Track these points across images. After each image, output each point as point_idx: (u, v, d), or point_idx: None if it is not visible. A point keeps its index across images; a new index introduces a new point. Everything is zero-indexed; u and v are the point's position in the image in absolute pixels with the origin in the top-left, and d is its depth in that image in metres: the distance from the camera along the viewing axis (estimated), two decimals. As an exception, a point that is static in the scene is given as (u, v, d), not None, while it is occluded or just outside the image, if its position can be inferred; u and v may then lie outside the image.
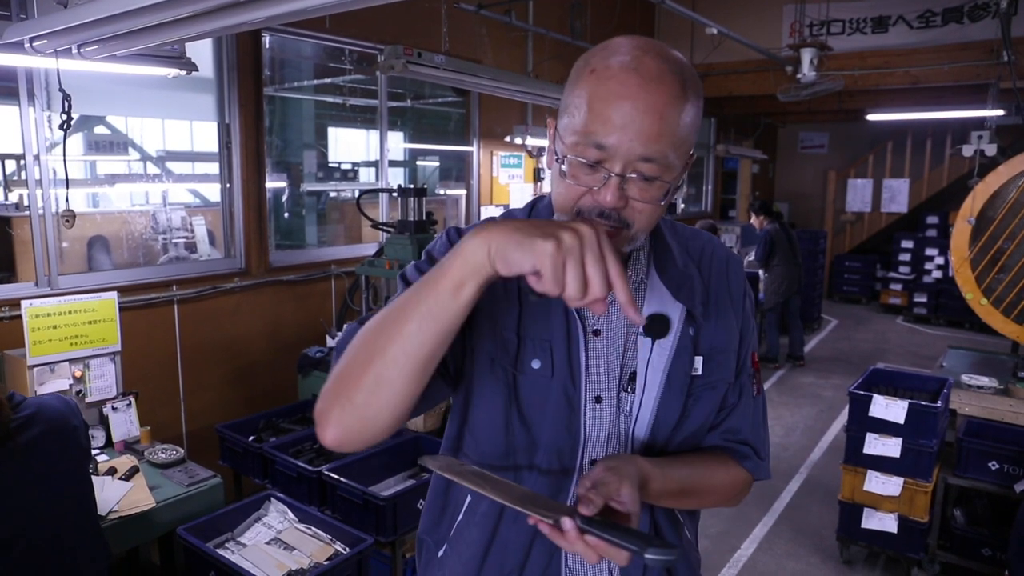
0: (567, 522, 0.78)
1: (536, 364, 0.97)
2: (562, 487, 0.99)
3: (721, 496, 1.08)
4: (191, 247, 4.24)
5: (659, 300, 1.00)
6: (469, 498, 1.05)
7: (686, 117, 0.88)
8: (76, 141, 4.52)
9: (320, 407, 0.87)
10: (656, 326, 0.99)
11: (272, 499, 2.54)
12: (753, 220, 6.99)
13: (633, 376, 0.99)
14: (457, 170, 5.90)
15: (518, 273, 0.74)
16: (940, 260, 9.11)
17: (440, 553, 1.09)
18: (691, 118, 0.89)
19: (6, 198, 4.22)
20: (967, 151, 5.38)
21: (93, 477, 2.37)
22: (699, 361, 1.01)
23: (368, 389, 0.83)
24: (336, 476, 2.59)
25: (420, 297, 0.79)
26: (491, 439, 1.01)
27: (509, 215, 1.06)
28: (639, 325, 0.75)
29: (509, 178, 5.98)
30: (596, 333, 0.99)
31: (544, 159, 1.01)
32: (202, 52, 3.67)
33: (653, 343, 0.98)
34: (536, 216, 1.05)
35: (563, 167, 0.91)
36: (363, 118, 5.23)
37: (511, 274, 0.75)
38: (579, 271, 0.73)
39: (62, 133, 2.39)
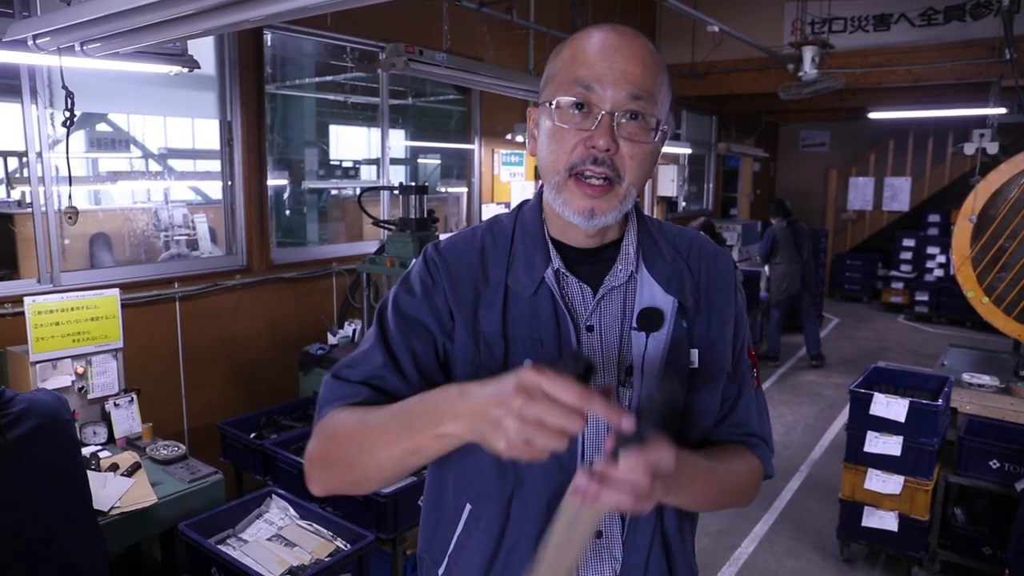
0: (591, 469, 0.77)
1: (528, 364, 0.96)
2: (563, 492, 0.96)
3: (743, 484, 1.05)
4: (192, 244, 4.25)
5: (650, 294, 1.00)
6: (469, 506, 1.01)
7: (662, 76, 0.95)
8: (78, 138, 4.53)
9: (308, 469, 0.96)
10: (649, 320, 0.98)
11: (273, 496, 2.55)
12: (774, 222, 7.04)
13: (630, 371, 0.98)
14: (458, 168, 5.90)
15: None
16: (941, 258, 9.10)
17: (440, 571, 1.06)
18: (666, 82, 0.96)
19: (8, 195, 4.22)
20: (969, 149, 5.37)
21: (96, 473, 2.39)
22: (695, 354, 1.00)
23: (351, 483, 0.94)
24: (337, 473, 2.59)
25: (400, 436, 0.84)
26: (481, 448, 0.99)
27: (496, 221, 1.08)
28: (628, 430, 0.74)
29: (510, 176, 5.98)
30: (590, 329, 0.99)
31: (528, 147, 1.07)
32: (204, 49, 3.67)
33: (647, 337, 0.98)
34: (521, 221, 1.05)
35: (555, 114, 0.93)
36: (364, 116, 5.23)
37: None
38: (544, 434, 0.72)
39: (64, 130, 2.40)
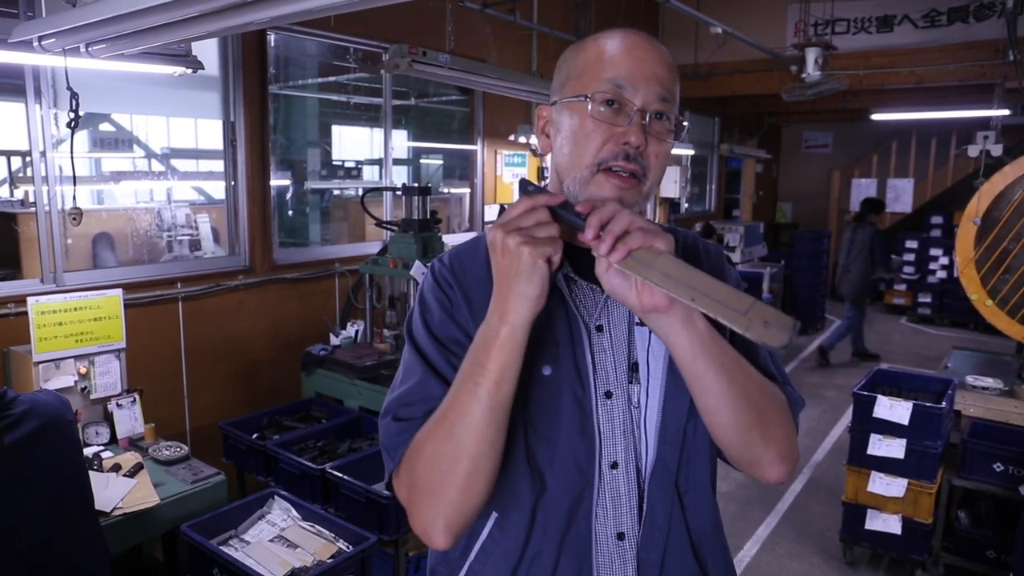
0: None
1: (547, 371, 0.96)
2: (584, 496, 0.97)
3: (768, 390, 0.98)
4: (195, 245, 4.25)
5: None
6: (495, 515, 1.00)
7: (678, 79, 1.00)
8: (81, 138, 4.54)
9: (420, 526, 0.92)
10: None
11: (275, 497, 2.54)
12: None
13: (636, 367, 0.99)
14: (461, 169, 5.90)
15: (546, 285, 0.87)
16: (944, 260, 9.08)
17: None
18: (679, 83, 1.01)
19: (12, 195, 4.23)
20: (973, 151, 5.35)
21: (98, 474, 2.39)
22: None
23: (465, 481, 0.89)
24: (339, 474, 2.59)
25: (478, 382, 0.88)
26: (504, 458, 0.97)
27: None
28: (560, 200, 0.89)
29: (513, 177, 5.98)
30: (600, 329, 1.00)
31: (539, 146, 1.11)
32: (207, 50, 3.67)
33: (650, 332, 0.98)
34: None
35: (587, 109, 0.95)
36: (367, 116, 5.23)
37: (543, 297, 0.87)
38: (532, 231, 0.85)
39: (68, 130, 2.40)
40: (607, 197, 0.94)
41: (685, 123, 0.99)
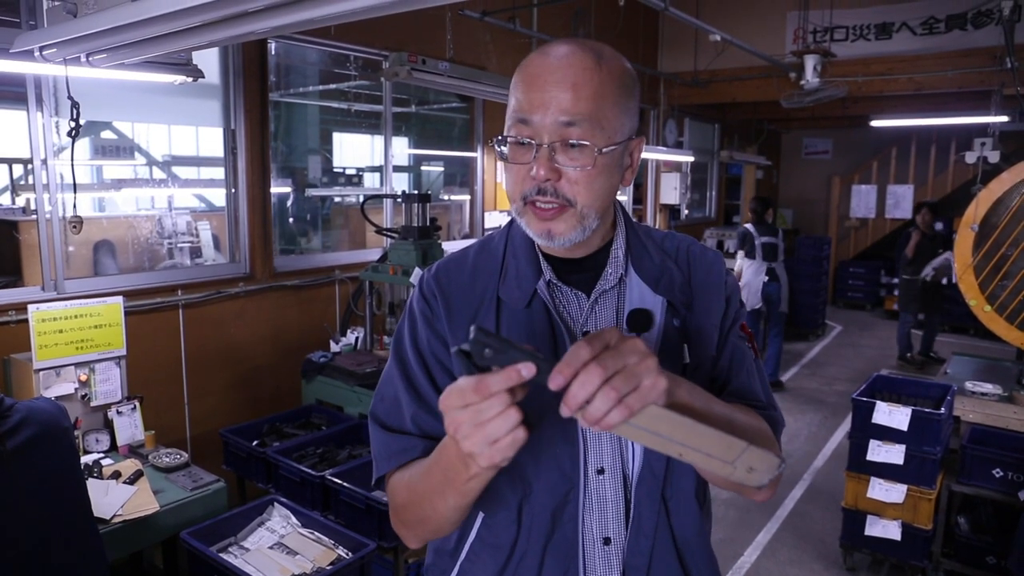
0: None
1: None
2: (569, 499, 0.98)
3: (756, 424, 1.00)
4: (196, 252, 4.26)
5: (639, 296, 1.02)
6: (482, 515, 1.02)
7: (603, 90, 0.91)
8: (83, 146, 4.55)
9: (397, 531, 1.06)
10: (638, 321, 1.01)
11: (275, 504, 2.55)
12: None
13: None
14: (461, 176, 5.92)
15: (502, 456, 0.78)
16: (944, 266, 9.07)
17: None
18: (610, 91, 0.92)
19: (13, 202, 4.24)
20: (970, 158, 5.36)
21: (98, 481, 2.39)
22: (686, 349, 1.02)
23: (433, 531, 1.01)
24: (339, 481, 2.60)
25: (445, 490, 0.90)
26: None
27: (488, 240, 1.10)
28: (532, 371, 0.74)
29: (513, 184, 5.99)
30: (586, 335, 1.00)
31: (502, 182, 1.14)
32: (208, 58, 3.69)
33: (638, 336, 0.99)
34: (511, 237, 1.07)
35: (502, 150, 0.96)
36: (368, 124, 5.26)
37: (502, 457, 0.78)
38: (488, 430, 0.75)
39: (69, 139, 2.41)
40: (537, 229, 0.95)
41: (604, 149, 0.92)
